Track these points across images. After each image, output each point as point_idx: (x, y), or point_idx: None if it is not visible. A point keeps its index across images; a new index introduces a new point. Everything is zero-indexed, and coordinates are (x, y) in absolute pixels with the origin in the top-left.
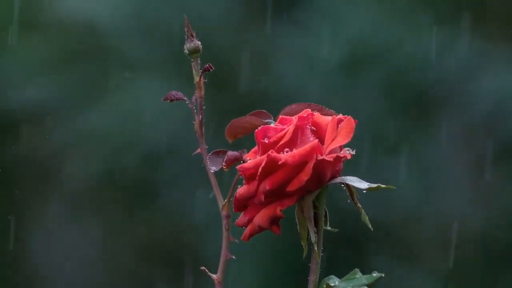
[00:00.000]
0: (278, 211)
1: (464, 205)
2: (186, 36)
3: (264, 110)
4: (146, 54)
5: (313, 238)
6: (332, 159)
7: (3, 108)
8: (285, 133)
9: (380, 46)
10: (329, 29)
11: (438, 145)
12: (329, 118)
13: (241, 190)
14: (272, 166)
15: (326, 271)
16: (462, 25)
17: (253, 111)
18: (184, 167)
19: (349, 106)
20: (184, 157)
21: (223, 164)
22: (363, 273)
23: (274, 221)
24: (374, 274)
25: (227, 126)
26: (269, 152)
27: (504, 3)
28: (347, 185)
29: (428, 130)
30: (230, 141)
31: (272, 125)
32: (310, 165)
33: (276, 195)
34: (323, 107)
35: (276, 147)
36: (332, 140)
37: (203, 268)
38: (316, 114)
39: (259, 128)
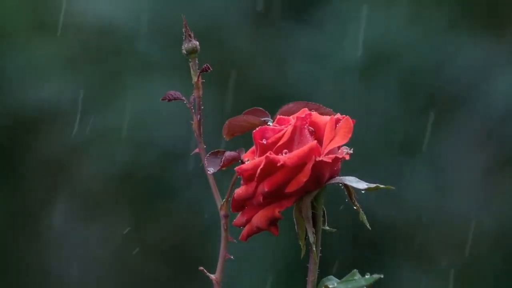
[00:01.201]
0: (276, 212)
1: (476, 206)
2: (184, 37)
3: (261, 108)
4: (160, 55)
5: (311, 238)
6: (330, 160)
7: (20, 107)
8: (283, 134)
9: (394, 48)
10: (343, 31)
11: (452, 146)
12: (327, 118)
13: (239, 191)
14: (270, 168)
15: (325, 272)
16: (476, 27)
17: (250, 109)
18: (193, 168)
19: (363, 107)
20: (193, 158)
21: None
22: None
23: (273, 222)
24: (374, 276)
25: (225, 124)
26: (268, 154)
27: None
28: (346, 186)
29: (441, 131)
30: (227, 139)
31: (270, 123)
32: (309, 166)
33: (274, 196)
34: (321, 106)
35: (274, 148)
36: (331, 141)
37: (201, 268)
38: (314, 113)
39: (257, 128)
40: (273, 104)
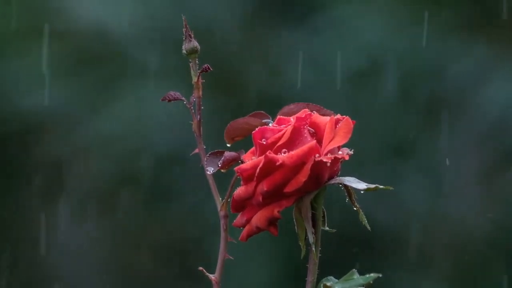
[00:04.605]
0: (276, 212)
1: (472, 209)
2: (184, 37)
3: (262, 111)
4: (156, 60)
5: (311, 238)
6: (330, 160)
7: (16, 113)
8: (283, 134)
9: (390, 54)
10: (340, 36)
11: (447, 150)
12: (327, 118)
13: (239, 191)
14: (270, 167)
15: (325, 272)
16: (472, 32)
17: (252, 113)
18: (191, 170)
19: (358, 111)
20: (191, 160)
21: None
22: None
23: (272, 222)
24: (372, 275)
25: (226, 128)
26: (267, 153)
27: None
28: (345, 186)
29: (437, 135)
30: (229, 144)
31: (270, 125)
32: (308, 166)
33: (274, 196)
34: (322, 107)
35: (274, 148)
36: (330, 141)
37: (201, 268)
38: (314, 114)
39: (257, 129)
40: (268, 108)
